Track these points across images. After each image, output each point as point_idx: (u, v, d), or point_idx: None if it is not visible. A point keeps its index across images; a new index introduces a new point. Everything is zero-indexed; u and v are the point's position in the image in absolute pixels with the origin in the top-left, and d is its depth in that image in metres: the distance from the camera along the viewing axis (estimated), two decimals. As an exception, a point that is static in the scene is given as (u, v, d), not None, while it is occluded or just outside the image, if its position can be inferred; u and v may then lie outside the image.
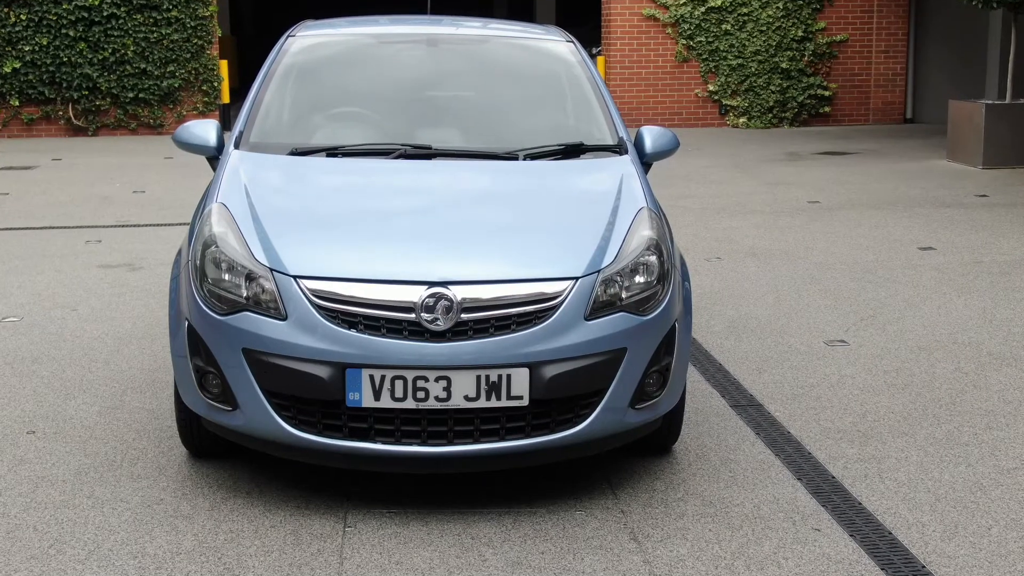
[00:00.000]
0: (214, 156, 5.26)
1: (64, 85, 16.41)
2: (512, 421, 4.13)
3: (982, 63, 16.55)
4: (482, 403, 4.07)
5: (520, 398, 4.09)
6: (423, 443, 4.10)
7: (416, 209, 4.56)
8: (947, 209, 10.65)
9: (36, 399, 5.54)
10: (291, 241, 4.29)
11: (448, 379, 4.04)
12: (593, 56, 20.81)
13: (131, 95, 16.57)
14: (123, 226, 10.17)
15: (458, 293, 4.08)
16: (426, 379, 4.04)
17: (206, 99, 16.80)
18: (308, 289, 4.11)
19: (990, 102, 13.22)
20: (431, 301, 4.06)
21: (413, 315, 4.06)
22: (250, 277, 4.21)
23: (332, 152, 4.97)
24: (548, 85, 5.64)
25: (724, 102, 17.88)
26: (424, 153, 4.95)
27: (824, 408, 5.49)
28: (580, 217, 4.57)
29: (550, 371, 4.10)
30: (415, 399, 4.05)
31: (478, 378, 4.05)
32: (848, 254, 8.76)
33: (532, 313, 4.13)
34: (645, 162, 5.35)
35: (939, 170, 13.15)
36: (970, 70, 17.05)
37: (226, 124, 16.98)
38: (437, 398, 4.05)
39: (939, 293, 7.58)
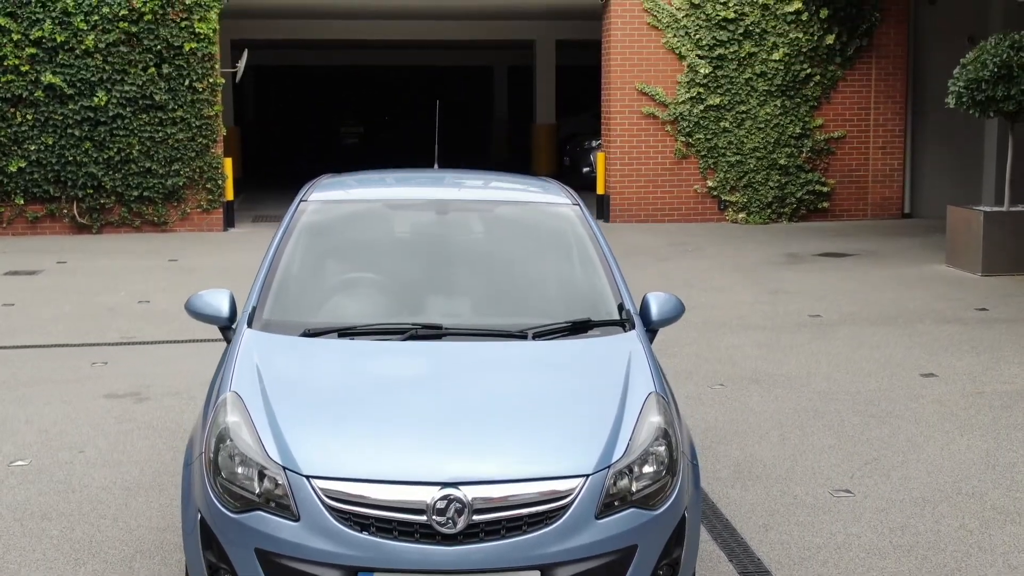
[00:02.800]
0: (226, 327, 5.33)
1: (69, 183, 16.57)
2: (524, 624, 4.16)
3: (979, 161, 16.75)
4: (494, 607, 4.10)
5: (531, 601, 4.12)
6: (436, 644, 4.12)
7: (427, 399, 4.59)
8: (947, 326, 10.72)
9: (46, 567, 5.56)
10: (304, 437, 4.34)
11: (460, 583, 4.07)
12: (593, 150, 21.03)
13: (136, 193, 16.73)
14: (129, 343, 10.23)
15: (469, 493, 4.12)
16: (438, 583, 4.07)
17: (210, 197, 16.94)
18: (320, 489, 4.15)
19: (988, 209, 13.36)
20: (443, 504, 4.10)
21: (425, 517, 4.10)
22: (263, 474, 4.25)
23: (344, 332, 5.02)
24: (555, 255, 5.72)
25: (723, 198, 18.04)
26: (434, 334, 5.01)
27: (832, 575, 5.50)
28: (589, 406, 4.61)
29: (561, 573, 4.14)
30: (427, 603, 4.08)
31: (490, 581, 4.09)
32: (850, 382, 8.81)
33: (543, 513, 4.17)
34: (651, 329, 5.43)
35: (938, 277, 13.25)
36: (968, 168, 17.25)
37: (230, 221, 17.14)
38: (449, 602, 4.08)
39: (942, 431, 7.63)
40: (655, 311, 5.44)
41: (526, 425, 4.51)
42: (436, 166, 7.02)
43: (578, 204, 5.99)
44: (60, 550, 5.75)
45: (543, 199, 6.05)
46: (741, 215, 17.99)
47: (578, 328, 5.14)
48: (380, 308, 5.33)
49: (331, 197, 5.97)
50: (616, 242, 16.10)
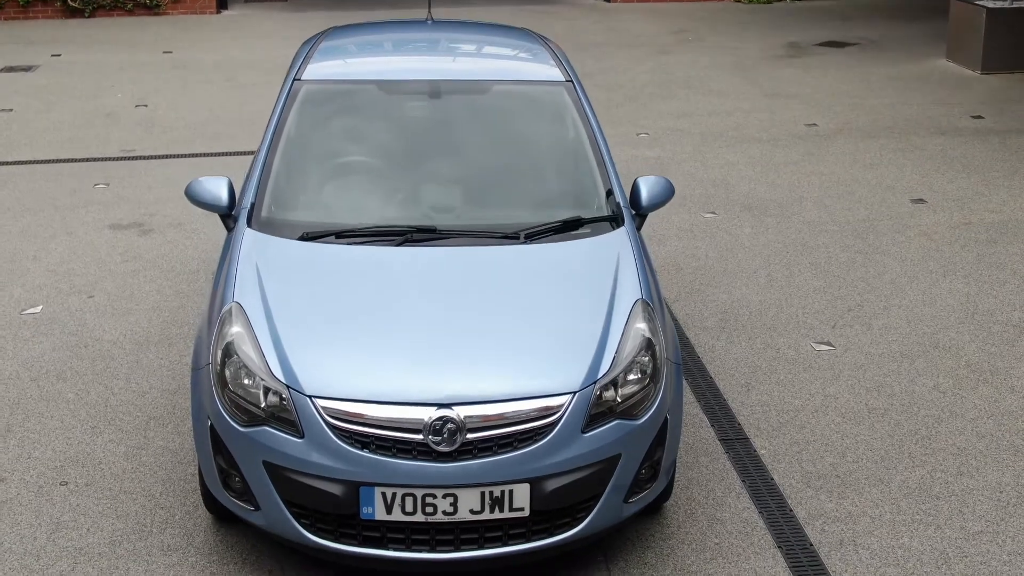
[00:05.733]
0: (226, 214, 5.46)
1: (58, -34, 16.23)
2: (514, 528, 4.48)
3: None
4: (486, 515, 4.41)
5: (522, 510, 4.43)
6: (432, 549, 4.45)
7: (422, 313, 4.74)
8: (942, 138, 10.78)
9: (65, 435, 5.87)
10: (305, 354, 4.54)
11: (455, 496, 4.37)
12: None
13: (126, -24, 16.41)
14: (129, 159, 10.32)
15: (462, 413, 4.37)
16: (434, 496, 4.37)
17: (203, -20, 16.62)
18: (322, 408, 4.40)
19: (991, 5, 13.15)
20: (439, 424, 4.35)
21: (421, 436, 4.36)
22: (267, 390, 4.49)
23: (341, 234, 5.15)
24: (547, 141, 5.78)
25: (726, -25, 17.67)
26: (429, 237, 5.14)
27: (807, 442, 5.83)
28: (577, 319, 4.78)
29: (550, 484, 4.43)
30: (424, 513, 4.39)
31: (482, 494, 4.38)
32: (840, 211, 8.96)
33: (533, 430, 4.42)
34: (641, 214, 5.57)
35: (937, 76, 13.17)
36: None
37: (223, 3, 16.85)
38: (444, 512, 4.39)
39: (925, 271, 7.84)
40: (645, 197, 5.56)
41: (516, 342, 4.68)
42: (429, 19, 6.99)
43: (571, 80, 6.01)
44: (76, 416, 6.06)
45: (535, 75, 6.07)
46: (744, -8, 17.68)
47: (569, 226, 5.27)
48: (377, 203, 5.44)
49: (324, 76, 5.98)
50: (617, 30, 15.92)
